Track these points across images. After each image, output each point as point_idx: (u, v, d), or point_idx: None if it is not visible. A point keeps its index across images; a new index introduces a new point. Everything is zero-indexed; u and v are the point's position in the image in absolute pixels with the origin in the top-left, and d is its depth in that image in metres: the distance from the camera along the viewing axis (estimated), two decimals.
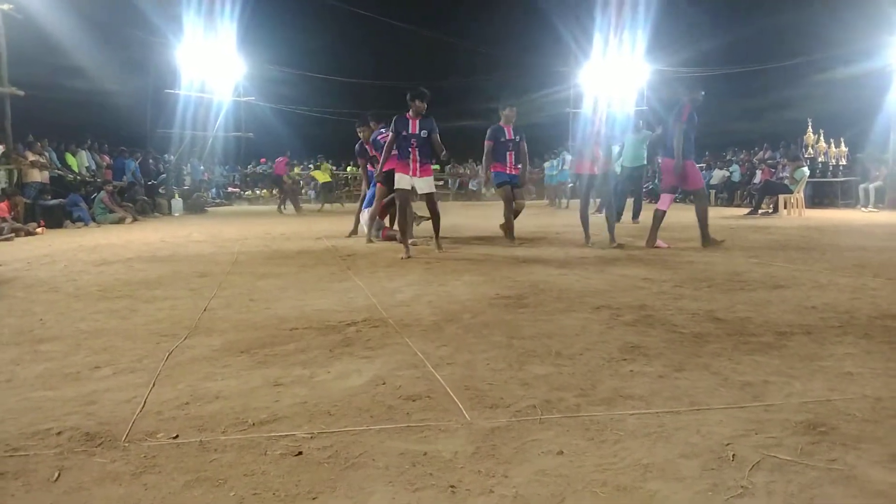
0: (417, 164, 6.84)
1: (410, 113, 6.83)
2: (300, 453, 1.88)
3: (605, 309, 3.85)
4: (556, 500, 1.59)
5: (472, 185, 27.91)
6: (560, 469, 1.76)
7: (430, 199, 7.05)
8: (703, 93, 7.23)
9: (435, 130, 6.85)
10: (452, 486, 1.66)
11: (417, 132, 6.80)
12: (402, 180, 6.79)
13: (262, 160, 27.44)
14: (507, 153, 7.93)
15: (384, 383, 2.50)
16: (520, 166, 8.11)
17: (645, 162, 11.89)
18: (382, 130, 8.08)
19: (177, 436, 2.02)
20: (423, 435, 2.00)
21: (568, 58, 25.37)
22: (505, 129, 7.94)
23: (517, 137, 7.96)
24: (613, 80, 22.79)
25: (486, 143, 7.96)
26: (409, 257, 6.44)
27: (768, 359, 2.78)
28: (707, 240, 7.21)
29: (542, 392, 2.38)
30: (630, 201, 11.91)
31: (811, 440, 1.92)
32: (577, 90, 25.97)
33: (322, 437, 2.00)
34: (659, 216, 7.39)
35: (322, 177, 21.49)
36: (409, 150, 6.82)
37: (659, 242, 7.27)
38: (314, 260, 6.47)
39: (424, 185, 6.91)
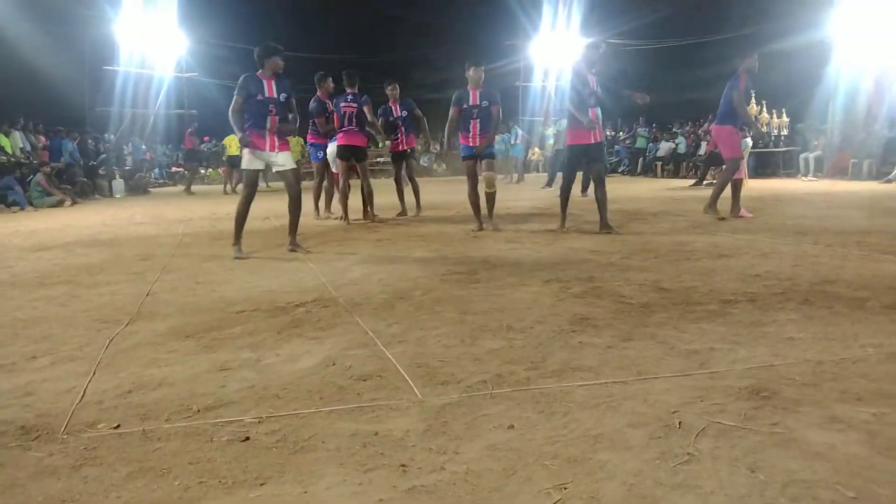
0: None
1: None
2: (247, 438, 1.84)
3: (556, 282, 3.88)
4: (507, 474, 1.60)
5: (422, 161, 27.76)
6: (511, 443, 1.76)
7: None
8: (757, 60, 7.20)
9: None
10: (404, 465, 1.65)
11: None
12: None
13: (206, 138, 26.74)
14: (472, 121, 6.87)
15: (334, 364, 2.47)
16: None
17: None
18: (349, 98, 7.61)
19: (118, 425, 1.96)
20: (374, 415, 1.98)
21: (517, 30, 25.32)
22: (471, 92, 6.88)
23: (484, 103, 6.82)
24: (563, 53, 22.84)
25: (451, 109, 6.99)
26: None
27: (713, 326, 2.84)
28: (712, 208, 7.22)
29: (494, 366, 2.38)
30: (579, 175, 12.01)
31: (754, 405, 1.96)
32: (528, 63, 25.98)
33: (270, 421, 1.96)
34: (738, 185, 7.36)
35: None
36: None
37: (743, 212, 7.19)
38: (262, 240, 6.35)
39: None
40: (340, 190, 7.90)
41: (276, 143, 5.38)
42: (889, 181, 13.57)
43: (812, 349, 2.49)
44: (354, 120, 7.61)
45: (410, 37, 26.94)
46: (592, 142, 6.25)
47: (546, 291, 3.64)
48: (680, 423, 1.86)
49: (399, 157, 9.00)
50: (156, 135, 23.77)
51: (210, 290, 3.95)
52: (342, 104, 7.59)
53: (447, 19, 26.62)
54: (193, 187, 17.88)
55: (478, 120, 6.84)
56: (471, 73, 6.89)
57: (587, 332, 2.82)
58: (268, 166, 5.46)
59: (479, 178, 6.77)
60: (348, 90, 7.67)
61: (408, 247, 5.58)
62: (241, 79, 5.39)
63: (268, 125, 5.31)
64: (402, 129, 8.75)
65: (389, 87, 8.61)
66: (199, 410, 2.06)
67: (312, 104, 7.96)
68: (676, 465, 1.61)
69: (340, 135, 7.62)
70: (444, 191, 14.20)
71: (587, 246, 5.33)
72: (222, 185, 17.72)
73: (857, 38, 15.88)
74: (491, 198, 6.81)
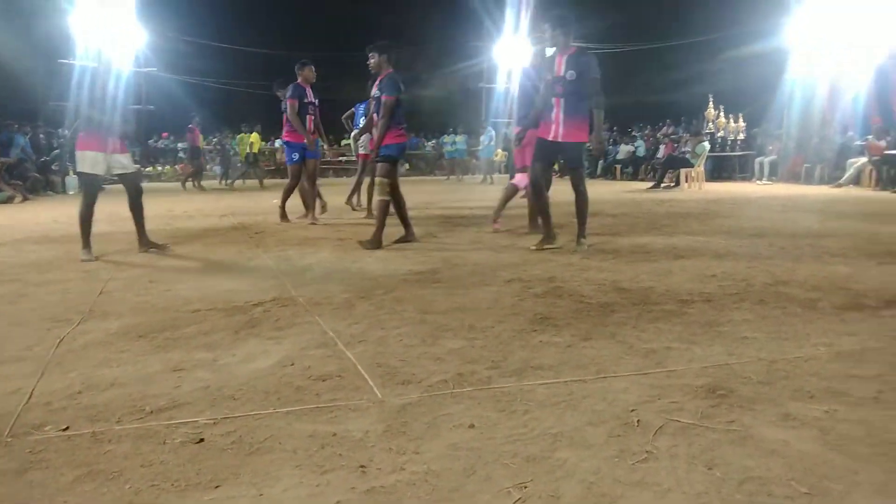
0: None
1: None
2: (202, 440, 1.80)
3: (517, 282, 3.89)
4: (467, 473, 1.59)
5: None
6: (471, 442, 1.75)
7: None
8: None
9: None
10: (363, 466, 1.63)
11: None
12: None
13: (164, 134, 26.21)
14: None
15: (293, 364, 2.43)
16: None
17: None
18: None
19: (67, 427, 1.90)
20: (332, 415, 1.95)
21: (482, 32, 25.41)
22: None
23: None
24: (526, 55, 22.98)
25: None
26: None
27: (671, 326, 2.88)
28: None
29: (455, 366, 2.37)
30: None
31: (711, 403, 1.99)
32: (491, 64, 26.10)
33: (226, 422, 1.92)
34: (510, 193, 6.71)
35: (251, 146, 19.16)
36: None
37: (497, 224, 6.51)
38: (220, 238, 6.25)
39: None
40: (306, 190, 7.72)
41: (117, 146, 5.13)
42: (840, 185, 13.98)
43: (766, 348, 2.54)
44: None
45: (373, 36, 26.82)
46: (551, 138, 5.08)
47: (507, 291, 3.64)
48: (638, 421, 1.87)
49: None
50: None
51: (165, 289, 3.86)
52: (305, 100, 7.35)
53: (411, 19, 26.58)
54: (170, 183, 17.54)
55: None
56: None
57: (548, 331, 2.83)
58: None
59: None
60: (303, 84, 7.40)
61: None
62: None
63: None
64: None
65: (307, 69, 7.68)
66: (151, 412, 2.01)
67: (290, 91, 7.35)
68: (635, 462, 1.62)
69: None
70: (406, 190, 14.18)
71: (549, 246, 5.35)
72: (181, 182, 17.43)
73: (812, 46, 16.33)
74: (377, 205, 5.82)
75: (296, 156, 7.63)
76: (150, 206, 10.46)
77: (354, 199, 8.95)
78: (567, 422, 1.88)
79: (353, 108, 8.85)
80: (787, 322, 2.91)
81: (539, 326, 2.90)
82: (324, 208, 8.17)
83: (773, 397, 2.03)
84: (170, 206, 10.35)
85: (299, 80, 7.48)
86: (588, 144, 5.31)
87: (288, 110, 7.37)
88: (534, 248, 5.14)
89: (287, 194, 7.79)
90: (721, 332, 2.77)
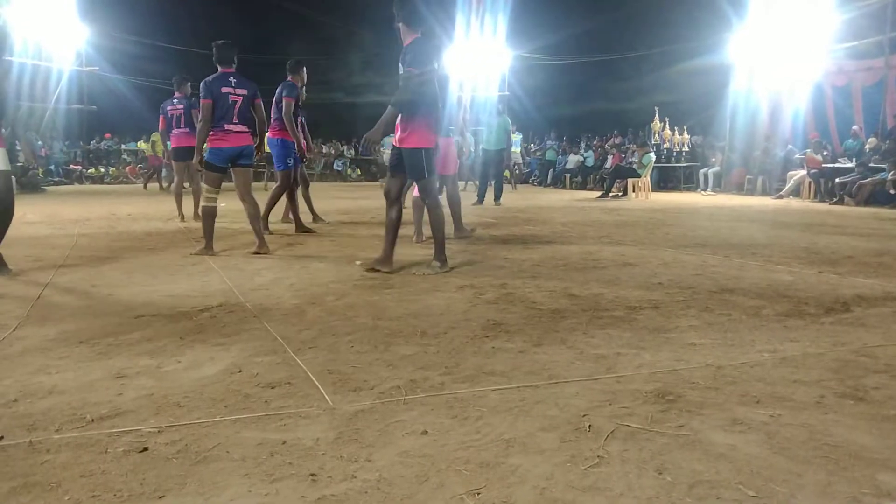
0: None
1: None
2: (145, 449, 1.74)
3: (469, 288, 3.89)
4: (419, 480, 1.57)
5: (336, 165, 27.49)
6: (424, 449, 1.73)
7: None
8: None
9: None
10: (313, 475, 1.59)
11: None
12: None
13: (108, 135, 25.45)
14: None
15: (240, 371, 2.37)
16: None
17: (505, 146, 12.13)
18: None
19: (1, 437, 1.81)
20: (282, 423, 1.91)
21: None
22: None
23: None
24: (476, 65, 23.16)
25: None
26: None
27: (620, 332, 2.91)
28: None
29: (408, 372, 2.35)
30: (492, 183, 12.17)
31: (660, 408, 2.02)
32: (443, 72, 26.17)
33: (171, 430, 1.86)
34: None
35: None
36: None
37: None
38: (165, 242, 6.09)
39: None
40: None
41: None
42: (781, 197, 14.49)
43: (713, 354, 2.59)
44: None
45: (328, 41, 26.68)
46: (396, 143, 4.51)
47: (460, 297, 3.64)
48: (590, 426, 1.88)
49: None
50: (53, 130, 22.44)
51: (107, 294, 3.73)
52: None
53: (364, 23, 26.51)
54: (115, 186, 17.15)
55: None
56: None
57: (500, 337, 2.83)
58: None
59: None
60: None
61: (320, 252, 5.48)
62: None
63: None
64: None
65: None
66: (92, 420, 1.93)
67: (287, 90, 6.63)
68: (587, 467, 1.63)
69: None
70: (359, 196, 14.09)
71: (501, 254, 5.39)
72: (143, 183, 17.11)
73: (753, 61, 16.89)
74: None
75: (290, 160, 6.92)
76: (94, 209, 10.18)
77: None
78: (520, 427, 1.88)
79: None
80: (733, 329, 2.98)
81: (491, 332, 2.90)
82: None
83: (720, 402, 2.07)
84: (113, 209, 10.05)
85: (291, 79, 6.81)
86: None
87: (284, 109, 6.64)
88: (359, 263, 4.60)
89: (273, 202, 6.97)
90: (669, 339, 2.81)
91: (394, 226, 4.51)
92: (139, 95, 23.33)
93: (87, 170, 23.16)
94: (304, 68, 6.99)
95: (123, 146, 25.14)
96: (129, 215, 9.05)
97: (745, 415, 1.96)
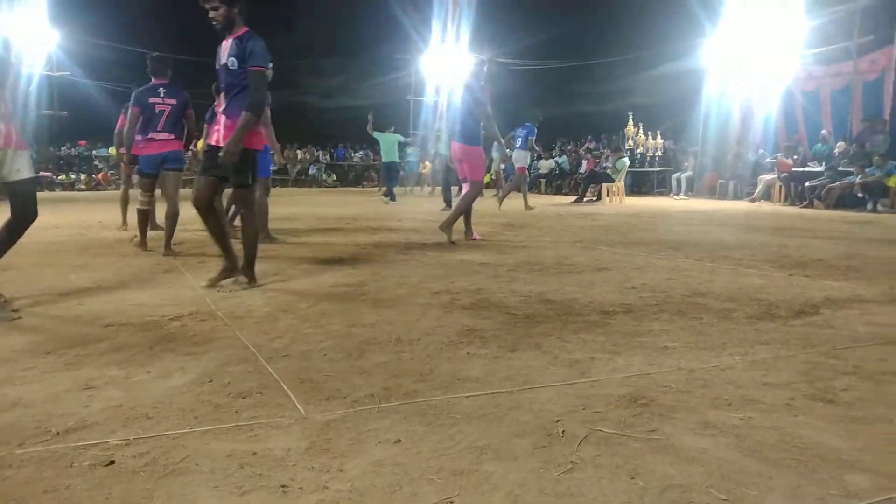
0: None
1: None
2: (112, 462, 1.70)
3: (445, 293, 3.88)
4: (392, 490, 1.55)
5: (311, 171, 27.38)
6: (397, 458, 1.72)
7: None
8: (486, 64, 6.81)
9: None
10: (284, 486, 1.57)
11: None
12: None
13: (82, 142, 25.07)
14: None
15: (211, 381, 2.33)
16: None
17: None
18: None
19: None
20: (252, 434, 1.88)
21: (408, 45, 25.51)
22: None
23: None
24: (451, 69, 23.25)
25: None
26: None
27: (594, 336, 2.92)
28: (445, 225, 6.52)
29: (381, 380, 2.34)
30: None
31: (633, 413, 2.02)
32: (419, 77, 26.22)
33: (138, 443, 1.82)
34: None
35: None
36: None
37: (475, 235, 6.76)
38: (136, 250, 5.99)
39: None
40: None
41: None
42: (754, 200, 14.70)
43: (685, 357, 2.61)
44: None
45: (301, 45, 26.57)
46: (214, 142, 4.13)
47: (435, 303, 3.63)
48: (563, 431, 1.88)
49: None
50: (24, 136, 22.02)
51: (76, 303, 3.66)
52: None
53: (337, 29, 26.48)
54: (88, 193, 16.80)
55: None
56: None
57: (475, 343, 2.82)
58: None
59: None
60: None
61: (292, 259, 5.44)
62: None
63: None
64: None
65: None
66: (58, 433, 1.89)
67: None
68: (560, 473, 1.63)
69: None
70: (335, 202, 14.04)
71: (476, 258, 5.39)
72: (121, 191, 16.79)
73: (725, 67, 17.14)
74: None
75: (272, 167, 6.84)
76: (64, 216, 10.00)
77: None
78: (493, 434, 1.87)
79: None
80: (705, 332, 3.01)
81: (466, 338, 2.89)
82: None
83: (692, 406, 2.08)
84: (83, 217, 9.90)
85: None
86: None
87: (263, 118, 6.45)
88: (204, 285, 4.10)
89: (264, 212, 6.60)
90: (642, 343, 2.83)
91: (220, 233, 4.21)
92: (111, 101, 22.97)
93: (58, 176, 22.80)
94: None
95: (94, 152, 24.78)
96: (99, 222, 8.92)
97: (717, 418, 1.97)
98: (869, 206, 12.40)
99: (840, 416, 2.01)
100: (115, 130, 8.17)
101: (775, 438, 1.83)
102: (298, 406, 2.09)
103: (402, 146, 14.80)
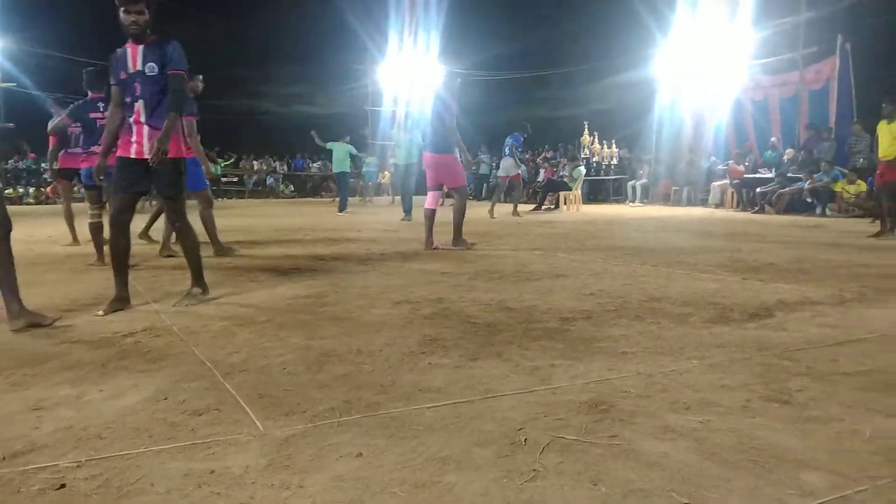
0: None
1: None
2: (63, 486, 1.64)
3: (405, 304, 3.87)
4: None
5: (268, 182, 27.08)
6: (359, 472, 1.70)
7: None
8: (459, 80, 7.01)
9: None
10: None
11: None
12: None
13: (32, 155, 24.34)
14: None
15: (166, 398, 2.27)
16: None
17: (415, 160, 12.25)
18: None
19: None
20: (210, 452, 1.84)
21: (364, 55, 25.48)
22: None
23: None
24: (410, 80, 23.32)
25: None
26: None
27: (554, 343, 2.94)
28: (457, 239, 6.82)
29: (342, 393, 2.31)
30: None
31: (594, 419, 2.03)
32: (377, 87, 26.20)
33: (91, 464, 1.76)
34: (429, 215, 6.84)
35: None
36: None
37: (436, 243, 6.77)
38: (87, 265, 5.83)
39: None
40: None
41: None
42: (718, 206, 15.07)
43: (644, 362, 2.64)
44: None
45: (257, 54, 26.36)
46: (134, 156, 3.86)
47: (395, 314, 3.61)
48: (525, 439, 1.88)
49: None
50: None
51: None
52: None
53: (293, 39, 26.33)
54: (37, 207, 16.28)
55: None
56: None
57: (436, 353, 2.81)
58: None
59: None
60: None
61: (250, 271, 5.35)
62: None
63: None
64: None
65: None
66: (5, 458, 1.81)
67: (191, 106, 6.18)
68: (523, 482, 1.63)
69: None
70: (293, 213, 13.89)
71: (437, 268, 5.39)
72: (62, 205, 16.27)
73: (677, 77, 17.54)
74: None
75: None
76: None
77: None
78: (456, 444, 1.86)
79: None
80: (663, 336, 3.05)
81: (428, 348, 2.88)
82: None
83: (651, 410, 2.10)
84: (31, 231, 9.60)
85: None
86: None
87: (185, 129, 5.76)
88: (101, 313, 3.72)
89: (212, 224, 6.56)
90: (601, 349, 2.85)
91: (124, 258, 3.94)
92: (60, 112, 22.36)
93: (6, 190, 22.10)
94: (199, 78, 6.57)
95: (44, 165, 24.10)
96: (49, 237, 8.65)
97: (676, 422, 2.00)
98: (818, 210, 12.80)
99: (795, 416, 2.05)
100: (49, 150, 7.77)
101: (733, 440, 1.86)
102: (257, 422, 2.05)
103: (353, 157, 14.73)
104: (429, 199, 6.93)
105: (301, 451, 1.83)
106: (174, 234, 5.19)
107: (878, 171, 8.80)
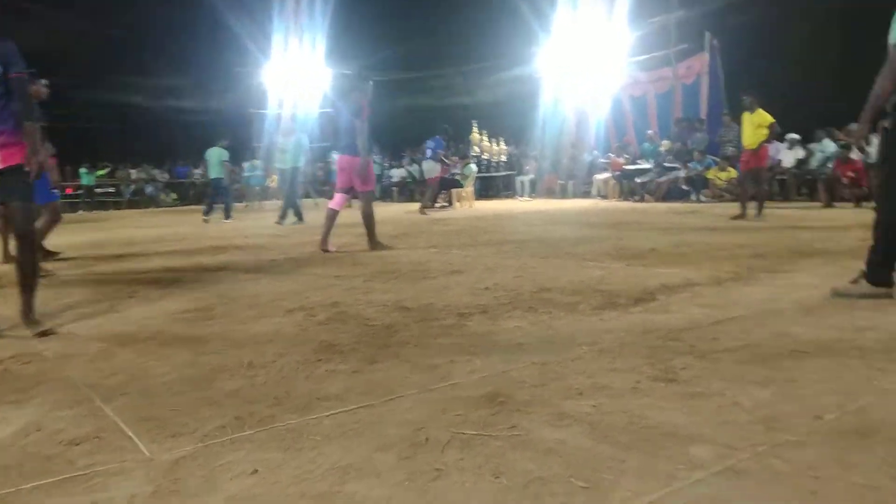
0: None
1: None
2: None
3: (299, 311, 3.77)
4: None
5: (147, 190, 25.80)
6: (254, 489, 1.62)
7: None
8: (371, 83, 6.95)
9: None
10: None
11: None
12: None
13: None
14: None
15: (39, 430, 2.09)
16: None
17: (299, 164, 12.10)
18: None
19: None
20: (90, 483, 1.71)
21: (246, 58, 24.70)
22: None
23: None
24: (297, 82, 22.87)
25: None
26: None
27: (452, 340, 2.95)
28: (373, 242, 6.83)
29: (233, 409, 2.21)
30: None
31: (492, 411, 2.05)
32: (261, 89, 25.46)
33: None
34: (331, 216, 6.81)
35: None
36: None
37: (329, 245, 6.74)
38: None
39: None
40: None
41: None
42: (605, 197, 15.67)
43: (538, 352, 2.69)
44: None
45: (134, 59, 25.06)
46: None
47: (289, 322, 3.51)
48: (427, 439, 1.87)
49: None
50: None
51: None
52: None
53: (172, 42, 25.21)
54: None
55: None
56: None
57: (333, 359, 2.75)
58: None
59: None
60: None
61: (129, 285, 5.06)
62: None
63: None
64: None
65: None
66: None
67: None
68: (426, 483, 1.61)
69: None
70: (175, 222, 13.28)
71: (331, 271, 5.29)
72: None
73: (559, 75, 18.13)
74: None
75: (56, 190, 6.56)
76: None
77: None
78: (356, 451, 1.82)
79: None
80: (554, 326, 3.13)
81: (324, 355, 2.81)
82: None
83: (546, 398, 2.14)
84: None
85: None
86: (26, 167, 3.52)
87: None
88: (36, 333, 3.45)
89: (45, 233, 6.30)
90: (498, 341, 2.89)
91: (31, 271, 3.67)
92: None
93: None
94: (42, 82, 6.00)
95: None
96: None
97: (571, 408, 2.04)
98: (693, 197, 13.62)
99: (681, 393, 2.14)
100: None
101: (625, 421, 1.92)
102: (141, 447, 1.92)
103: (221, 162, 13.83)
104: (335, 200, 6.95)
105: (191, 473, 1.73)
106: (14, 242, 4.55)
107: (742, 159, 9.47)
